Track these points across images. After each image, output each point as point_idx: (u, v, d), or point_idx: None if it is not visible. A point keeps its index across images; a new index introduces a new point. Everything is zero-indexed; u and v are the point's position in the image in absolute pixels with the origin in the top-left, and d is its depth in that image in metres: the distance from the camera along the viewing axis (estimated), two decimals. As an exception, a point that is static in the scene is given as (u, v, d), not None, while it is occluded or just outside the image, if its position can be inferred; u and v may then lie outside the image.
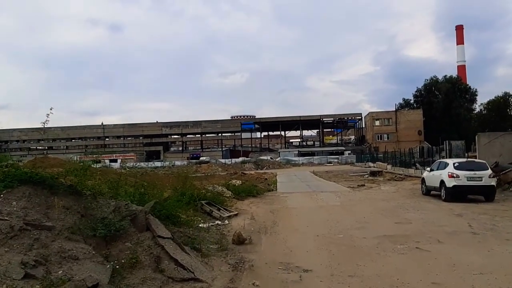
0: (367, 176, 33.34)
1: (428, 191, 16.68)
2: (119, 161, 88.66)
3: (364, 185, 23.34)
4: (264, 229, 9.25)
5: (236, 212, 11.78)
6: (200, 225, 9.42)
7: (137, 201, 6.19)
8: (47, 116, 6.09)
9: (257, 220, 10.70)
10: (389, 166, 40.32)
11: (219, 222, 10.20)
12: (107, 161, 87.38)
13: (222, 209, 11.55)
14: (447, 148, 30.87)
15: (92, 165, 6.92)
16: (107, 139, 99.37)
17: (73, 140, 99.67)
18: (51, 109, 6.23)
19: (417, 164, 32.87)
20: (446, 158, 30.35)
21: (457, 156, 30.39)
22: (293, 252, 6.92)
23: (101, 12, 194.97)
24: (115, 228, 4.73)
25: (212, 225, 9.84)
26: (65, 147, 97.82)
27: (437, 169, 16.16)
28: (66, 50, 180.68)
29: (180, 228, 7.29)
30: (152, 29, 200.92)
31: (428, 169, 17.71)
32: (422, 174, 28.46)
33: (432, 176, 16.30)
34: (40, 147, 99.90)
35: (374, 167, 46.38)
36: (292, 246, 7.37)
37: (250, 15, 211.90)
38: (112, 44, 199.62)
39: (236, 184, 19.19)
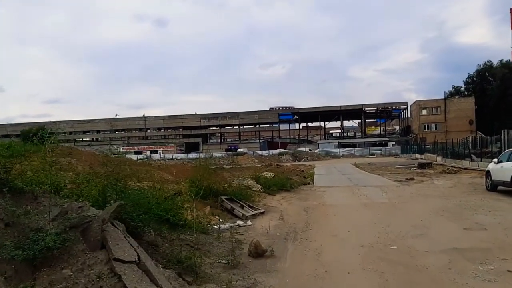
0: (414, 168, 30.61)
1: (494, 186, 14.01)
2: (159, 152, 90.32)
3: (413, 178, 20.73)
4: (293, 234, 7.39)
5: (262, 210, 10.00)
6: (216, 226, 7.75)
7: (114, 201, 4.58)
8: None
9: (286, 221, 8.86)
10: (439, 158, 37.32)
11: (241, 223, 8.47)
12: (148, 152, 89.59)
13: (246, 206, 9.82)
14: (505, 138, 27.51)
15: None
16: (148, 131, 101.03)
17: (117, 132, 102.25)
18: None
19: (472, 155, 29.62)
20: (504, 149, 27.11)
21: (518, 146, 27.15)
22: (329, 273, 5.02)
23: (148, 7, 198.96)
24: (51, 245, 3.13)
25: (231, 226, 8.14)
26: (108, 138, 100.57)
27: (508, 160, 13.47)
28: (114, 45, 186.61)
29: (181, 233, 5.63)
30: (196, 22, 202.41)
31: (495, 160, 14.93)
32: (478, 166, 25.70)
33: (501, 169, 13.62)
34: (86, 139, 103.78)
35: (422, 159, 43.20)
36: (328, 263, 5.46)
37: (292, 4, 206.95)
38: (157, 38, 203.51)
39: (268, 177, 17.39)
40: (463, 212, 9.61)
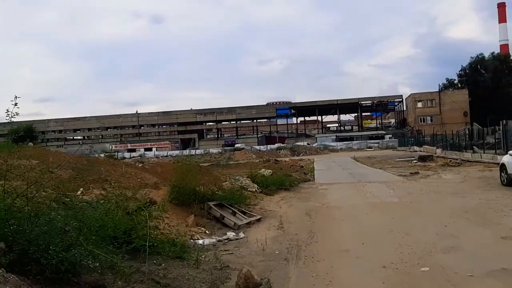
0: (415, 161, 29.56)
1: (511, 181, 12.76)
2: (154, 149, 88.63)
3: (418, 172, 19.47)
4: (295, 250, 6.03)
5: (258, 216, 8.63)
6: (200, 240, 6.40)
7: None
8: None
9: (287, 230, 7.50)
10: (438, 150, 36.32)
11: (231, 235, 7.10)
12: (141, 150, 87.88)
13: (238, 212, 8.45)
14: (504, 128, 26.46)
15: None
16: (142, 127, 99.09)
17: (109, 130, 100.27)
18: None
19: (474, 147, 28.56)
20: (503, 140, 26.00)
21: (517, 138, 26.11)
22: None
23: (145, 4, 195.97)
24: None
25: (219, 241, 6.77)
26: (100, 136, 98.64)
27: (527, 152, 12.23)
28: (109, 43, 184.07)
29: (144, 263, 4.27)
30: (192, 19, 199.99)
31: (511, 152, 13.69)
32: (481, 158, 24.55)
33: (519, 162, 12.38)
34: (76, 137, 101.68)
35: (421, 151, 42.14)
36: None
37: (289, 1, 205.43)
38: (154, 35, 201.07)
39: (266, 174, 16.03)
40: (489, 214, 8.31)
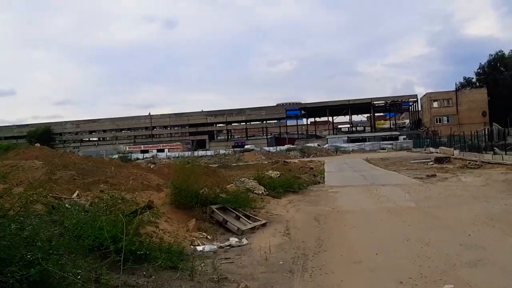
0: (431, 163, 28.57)
1: (537, 185, 11.96)
2: (166, 150, 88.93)
3: (435, 175, 18.62)
4: (302, 261, 5.45)
5: (263, 221, 8.06)
6: (200, 247, 5.89)
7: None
8: None
9: (293, 237, 6.92)
10: (456, 152, 35.21)
11: (234, 241, 6.56)
12: (154, 151, 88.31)
13: (242, 216, 7.90)
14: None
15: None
16: (155, 129, 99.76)
17: (123, 131, 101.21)
18: None
19: (495, 148, 27.47)
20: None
21: (539, 138, 25.06)
22: None
23: (158, 8, 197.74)
24: None
25: (220, 247, 6.24)
26: (114, 138, 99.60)
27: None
28: (124, 47, 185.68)
29: (132, 274, 3.76)
30: (203, 22, 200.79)
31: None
32: (502, 160, 23.49)
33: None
34: (92, 139, 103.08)
35: (437, 152, 40.92)
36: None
37: (298, 1, 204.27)
38: (166, 39, 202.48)
39: (273, 176, 15.47)
40: (517, 221, 7.59)
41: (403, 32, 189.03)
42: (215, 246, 6.19)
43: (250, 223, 7.67)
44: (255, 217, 8.20)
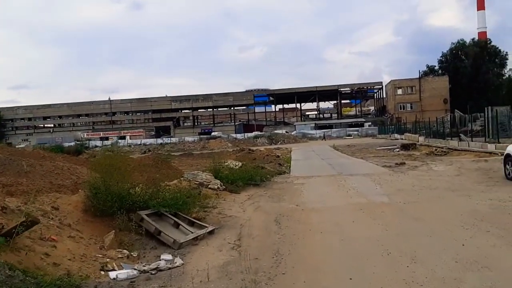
0: (398, 150, 28.18)
1: (517, 174, 11.05)
2: (127, 138, 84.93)
3: (404, 163, 17.72)
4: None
5: (211, 228, 6.42)
6: (113, 273, 4.19)
7: None
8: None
9: (244, 252, 5.34)
10: (421, 138, 35.35)
11: (162, 263, 4.89)
12: (115, 138, 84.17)
13: (183, 224, 6.23)
14: (489, 115, 25.29)
15: None
16: (115, 115, 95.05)
17: (81, 117, 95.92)
18: None
19: (461, 134, 27.30)
20: (488, 127, 24.83)
21: (503, 125, 24.94)
22: None
23: None
24: None
25: (142, 272, 4.57)
26: (71, 124, 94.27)
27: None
28: (88, 27, 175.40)
29: None
30: (172, 4, 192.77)
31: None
32: (469, 146, 23.13)
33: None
34: (47, 125, 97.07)
35: (403, 139, 40.95)
36: None
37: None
38: (133, 20, 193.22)
39: (233, 167, 13.87)
40: None
41: (371, 20, 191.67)
42: (135, 272, 4.50)
43: (192, 232, 6.02)
44: (201, 223, 6.55)
